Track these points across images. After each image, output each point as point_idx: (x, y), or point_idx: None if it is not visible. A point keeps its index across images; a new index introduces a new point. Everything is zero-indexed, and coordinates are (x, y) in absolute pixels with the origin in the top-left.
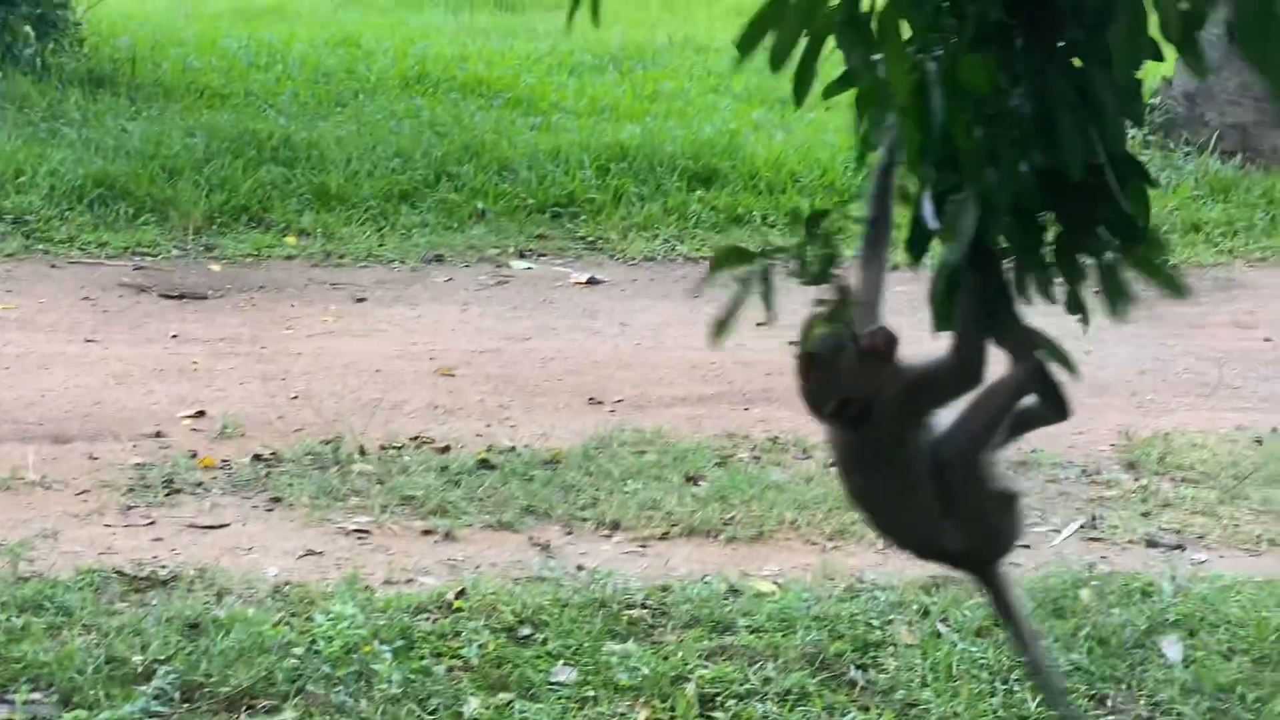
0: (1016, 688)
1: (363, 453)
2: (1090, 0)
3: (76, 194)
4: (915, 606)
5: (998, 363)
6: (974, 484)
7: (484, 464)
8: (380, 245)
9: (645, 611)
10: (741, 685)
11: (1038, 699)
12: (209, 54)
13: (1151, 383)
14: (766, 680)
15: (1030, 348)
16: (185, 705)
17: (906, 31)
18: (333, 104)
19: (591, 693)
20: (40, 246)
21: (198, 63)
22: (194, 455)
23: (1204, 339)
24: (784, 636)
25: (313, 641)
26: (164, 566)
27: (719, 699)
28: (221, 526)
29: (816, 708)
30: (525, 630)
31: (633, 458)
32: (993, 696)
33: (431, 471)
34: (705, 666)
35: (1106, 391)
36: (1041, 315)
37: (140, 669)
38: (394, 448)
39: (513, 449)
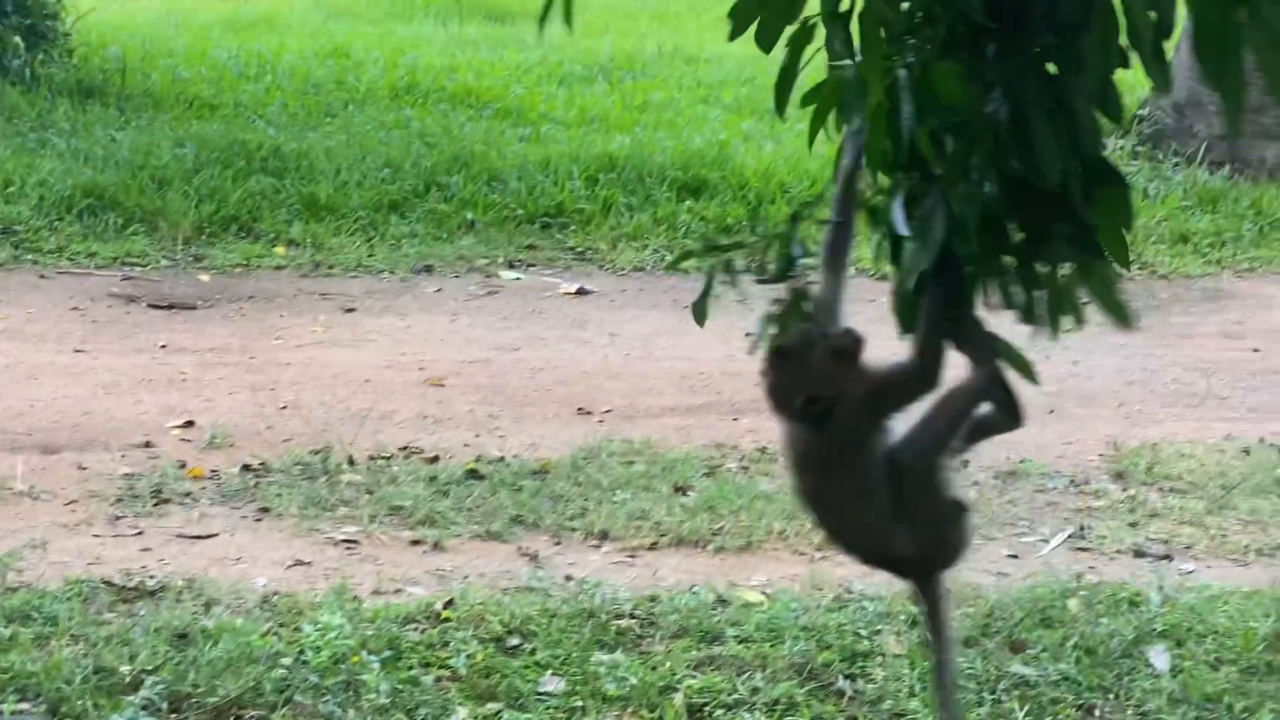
0: (1004, 698)
1: (351, 463)
2: (1065, 7)
3: (65, 204)
4: (903, 616)
5: (957, 369)
6: (929, 490)
7: (473, 474)
8: (369, 255)
9: (633, 621)
10: (730, 695)
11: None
12: (199, 64)
13: (1139, 393)
14: (755, 690)
15: (989, 354)
16: (173, 715)
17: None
18: (322, 114)
19: (580, 703)
20: (29, 257)
21: (187, 73)
22: (183, 465)
23: (1192, 349)
24: (772, 646)
25: (301, 652)
26: (152, 577)
27: (707, 709)
28: (210, 536)
29: (805, 718)
30: (514, 640)
31: (621, 468)
32: (980, 706)
33: (420, 481)
34: (693, 676)
35: (1095, 402)
36: (1011, 324)
37: (128, 679)
38: (383, 458)
39: (501, 459)
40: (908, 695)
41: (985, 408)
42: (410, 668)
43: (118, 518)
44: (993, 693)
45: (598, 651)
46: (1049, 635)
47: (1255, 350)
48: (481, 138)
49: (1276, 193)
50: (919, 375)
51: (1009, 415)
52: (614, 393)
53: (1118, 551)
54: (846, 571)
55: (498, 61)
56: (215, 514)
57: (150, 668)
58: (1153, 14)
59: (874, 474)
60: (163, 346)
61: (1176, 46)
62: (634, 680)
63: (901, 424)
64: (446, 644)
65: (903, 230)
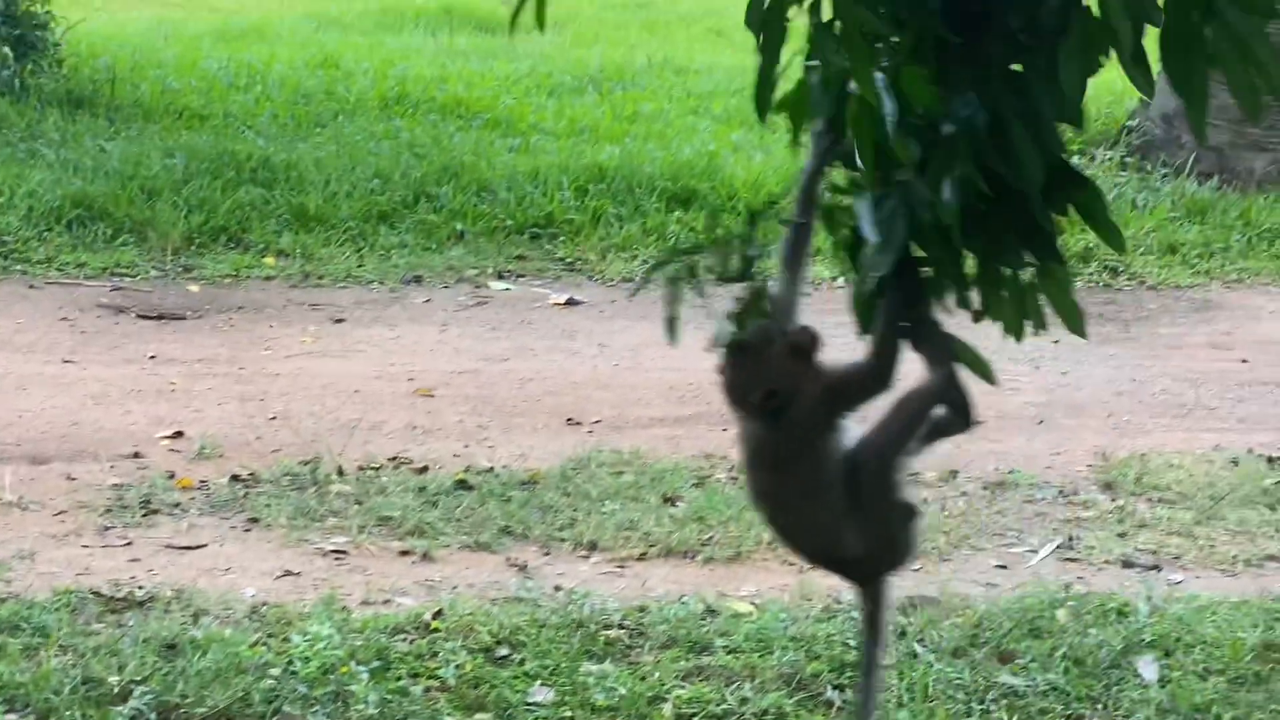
0: (993, 708)
1: (341, 473)
2: (1043, 14)
3: (55, 215)
4: (892, 627)
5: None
6: (883, 491)
7: (462, 484)
8: (359, 266)
9: (622, 632)
10: (718, 706)
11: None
12: (188, 75)
13: (1128, 404)
14: (743, 700)
15: (946, 355)
16: None
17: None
18: (312, 125)
19: (569, 713)
20: (18, 267)
21: (177, 84)
22: (172, 476)
23: (1181, 360)
24: (761, 657)
25: (290, 662)
26: (141, 587)
27: (696, 719)
28: (199, 547)
29: None
30: (503, 651)
31: (610, 478)
32: (969, 717)
33: (409, 492)
34: (682, 687)
35: (1083, 412)
36: (971, 326)
37: (117, 690)
38: (372, 468)
39: (491, 469)
40: (896, 706)
41: (939, 410)
42: (399, 678)
43: (106, 528)
44: (981, 703)
45: (586, 662)
46: (1037, 645)
47: (1244, 361)
48: (471, 148)
49: (1265, 204)
50: (875, 375)
51: (961, 417)
52: (603, 403)
53: (1106, 562)
54: (835, 582)
55: (488, 72)
56: (204, 524)
57: (139, 678)
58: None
59: (828, 473)
60: (152, 357)
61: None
62: (623, 690)
63: (857, 424)
64: (435, 654)
65: (868, 232)
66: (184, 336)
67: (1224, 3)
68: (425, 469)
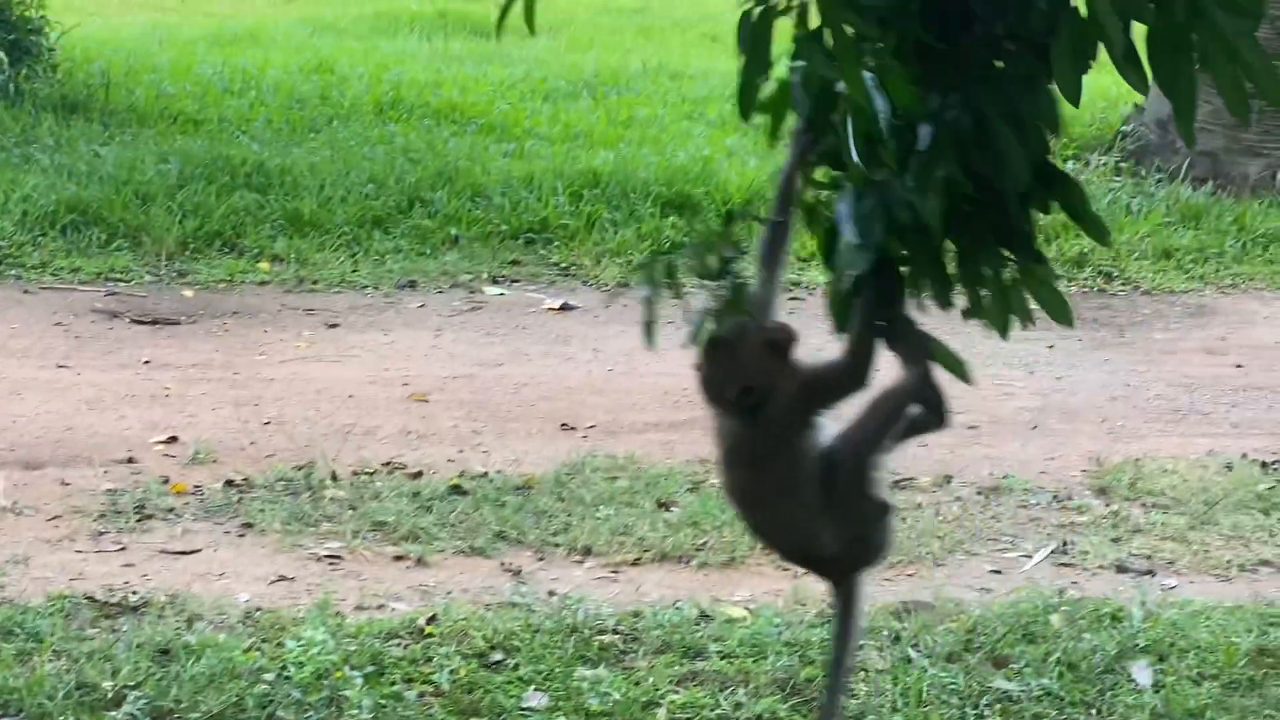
0: (986, 713)
1: (335, 478)
2: (1032, 17)
3: (49, 220)
4: (886, 632)
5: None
6: (859, 489)
7: (456, 490)
8: (353, 271)
9: (617, 637)
10: (712, 711)
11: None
12: (183, 80)
13: (1122, 409)
14: (738, 706)
15: (921, 354)
16: None
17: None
18: (306, 130)
19: (562, 718)
20: (12, 272)
21: (172, 88)
22: (166, 481)
23: (1175, 365)
24: (755, 662)
25: (283, 667)
26: (135, 592)
27: None
28: (193, 552)
29: None
30: (497, 656)
31: (605, 483)
32: None
33: (404, 497)
34: (676, 692)
35: (1077, 417)
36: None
37: (110, 695)
38: (366, 473)
39: (485, 475)
40: (890, 710)
41: (914, 407)
42: (393, 683)
43: (100, 533)
44: (975, 708)
45: (580, 667)
46: (1031, 650)
47: (1238, 366)
48: (466, 153)
49: (1259, 209)
50: (850, 373)
51: (936, 415)
52: (597, 408)
53: (1100, 567)
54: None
55: (482, 77)
56: (198, 530)
57: (133, 683)
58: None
59: (804, 470)
60: (146, 362)
61: None
62: (617, 696)
63: (833, 422)
64: (429, 659)
65: (846, 232)
66: (178, 341)
67: (1210, 4)
68: (419, 474)
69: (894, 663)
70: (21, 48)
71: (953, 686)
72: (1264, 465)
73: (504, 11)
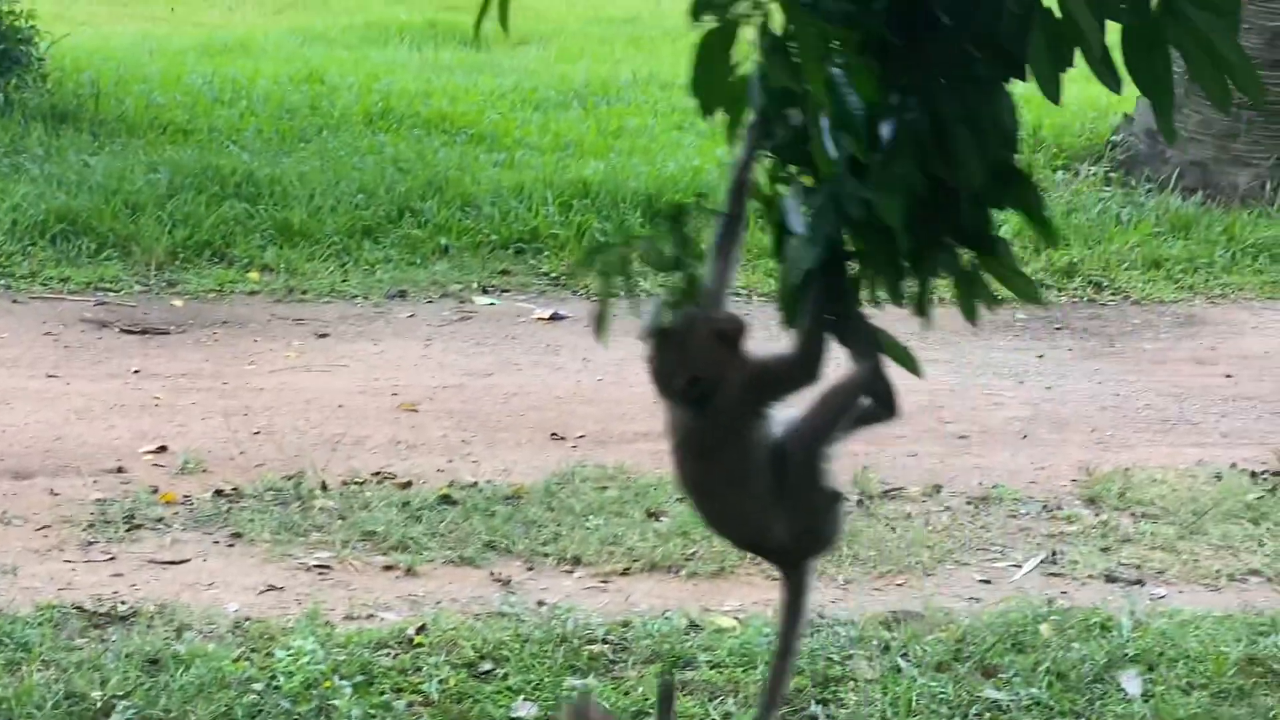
0: None
1: (324, 488)
2: (1000, 19)
3: (39, 229)
4: (875, 642)
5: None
6: (809, 480)
7: (446, 499)
8: (343, 281)
9: (606, 647)
10: None
11: None
12: (173, 90)
13: (1112, 418)
14: (727, 715)
15: (871, 348)
16: None
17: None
18: (296, 140)
19: None
20: (2, 282)
21: (162, 98)
22: (155, 491)
23: (1164, 375)
24: (744, 672)
25: (273, 677)
26: (124, 602)
27: None
28: (182, 562)
29: None
30: (486, 666)
31: (594, 493)
32: None
33: (393, 507)
34: None
35: (1067, 427)
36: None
37: (99, 705)
38: (356, 483)
39: (474, 484)
40: None
41: (864, 399)
42: (382, 693)
43: (90, 543)
44: (964, 718)
45: (570, 677)
46: (1021, 660)
47: (1227, 376)
48: (456, 163)
49: (1248, 219)
50: (800, 367)
51: (886, 408)
52: (587, 418)
53: (1090, 576)
54: (819, 597)
55: (472, 87)
56: (187, 539)
57: (121, 693)
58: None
59: (755, 461)
60: (135, 372)
61: None
62: (606, 705)
63: (783, 414)
64: (419, 669)
65: (795, 226)
66: (168, 351)
67: (1185, 3)
68: (409, 484)
69: (884, 672)
70: (11, 57)
71: (942, 696)
72: (1253, 475)
73: (481, 13)
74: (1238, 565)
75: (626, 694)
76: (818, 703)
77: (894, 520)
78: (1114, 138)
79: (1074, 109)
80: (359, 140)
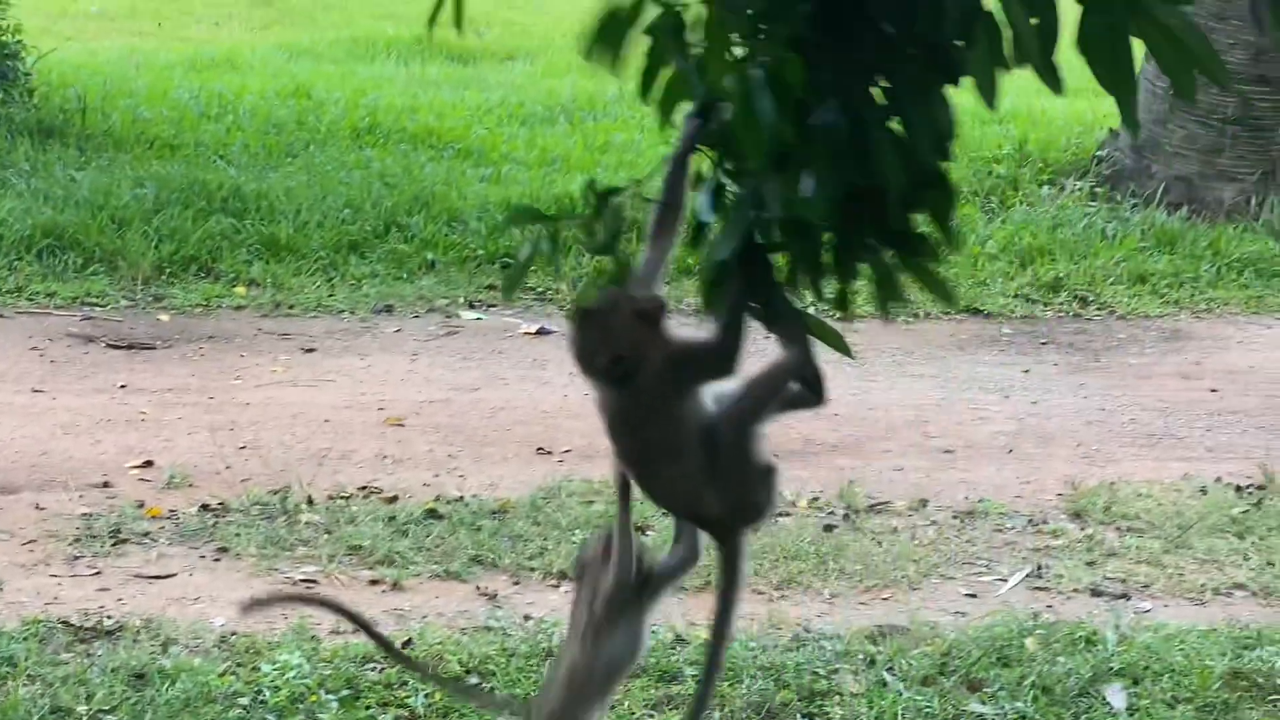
0: None
1: (310, 503)
2: (940, 22)
3: (25, 244)
4: (861, 656)
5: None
6: (740, 457)
7: (432, 514)
8: (330, 296)
9: None
10: None
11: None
12: (160, 104)
13: (1097, 433)
14: None
15: (800, 335)
16: None
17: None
18: (283, 155)
19: None
20: None
21: (148, 113)
22: (141, 505)
23: (1150, 389)
24: (730, 686)
25: (259, 691)
26: (110, 617)
27: None
28: (168, 576)
29: None
30: (472, 680)
31: (581, 508)
32: None
33: (379, 521)
34: (651, 716)
35: (1053, 442)
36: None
37: (85, 719)
38: (342, 498)
39: (461, 499)
40: None
41: (793, 384)
42: (368, 707)
43: (76, 558)
44: None
45: None
46: (1006, 674)
47: (1213, 390)
48: (442, 178)
49: (1234, 234)
50: (717, 356)
51: (815, 394)
52: (573, 432)
53: (1075, 590)
54: (805, 611)
55: (459, 102)
56: (173, 554)
57: (107, 708)
58: (1034, 20)
59: (684, 436)
60: (122, 386)
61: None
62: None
63: (715, 393)
64: (405, 683)
65: (705, 216)
66: (154, 366)
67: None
68: (395, 498)
69: (869, 686)
70: None
71: (928, 710)
72: (1238, 489)
73: (435, 10)
74: (1223, 579)
75: (612, 708)
76: (803, 717)
77: (880, 534)
78: (1100, 152)
79: (1060, 124)
80: (346, 155)
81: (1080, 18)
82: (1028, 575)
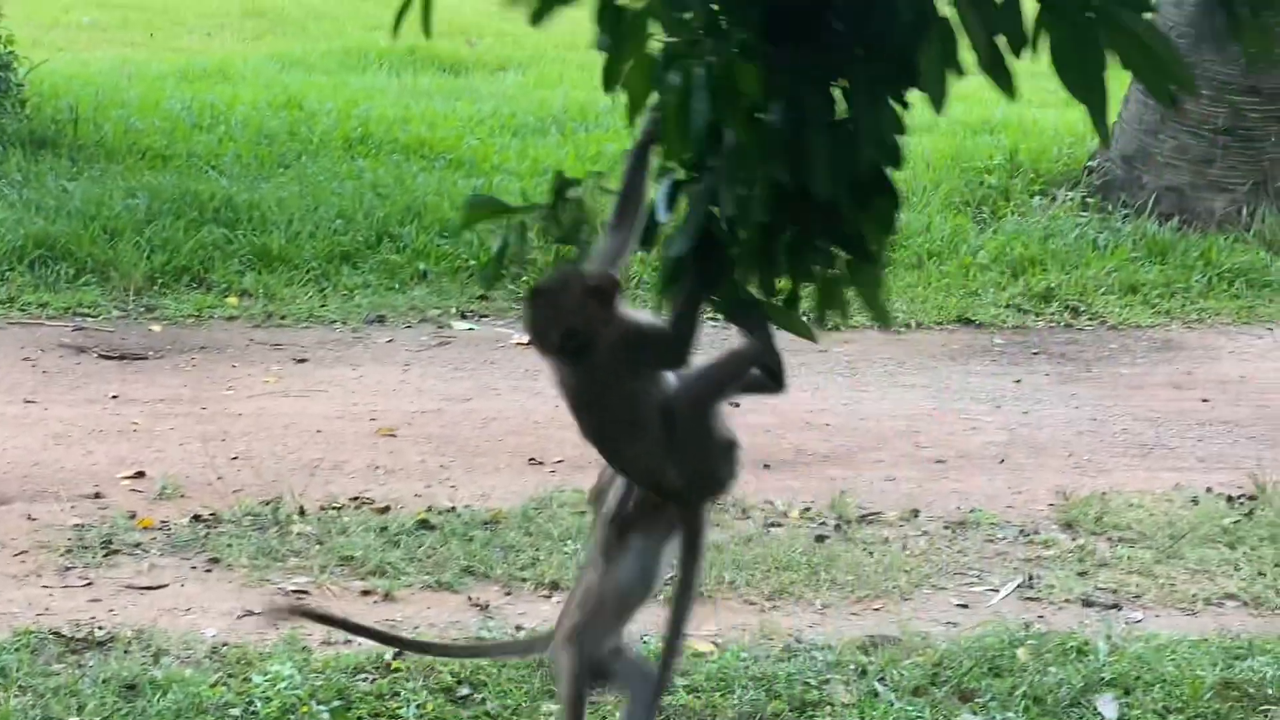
0: None
1: (302, 513)
2: (894, 26)
3: (17, 254)
4: (853, 666)
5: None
6: (699, 434)
7: (424, 524)
8: (322, 306)
9: None
10: None
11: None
12: (152, 115)
13: (1089, 443)
14: None
15: (762, 325)
16: None
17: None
18: (275, 165)
19: None
20: None
21: (140, 124)
22: (133, 516)
23: (1141, 400)
24: (722, 696)
25: (250, 702)
26: (101, 627)
27: None
28: (160, 587)
29: None
30: (463, 690)
31: (572, 518)
32: None
33: (371, 532)
34: None
35: (1044, 452)
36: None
37: None
38: (334, 508)
39: (452, 509)
40: None
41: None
42: (360, 718)
43: (67, 568)
44: None
45: (547, 702)
46: (998, 684)
47: (1204, 400)
48: (434, 189)
49: (1225, 244)
50: (670, 345)
51: (775, 381)
52: (565, 443)
53: (1066, 601)
54: (796, 622)
55: (451, 113)
56: (165, 565)
57: (99, 719)
58: (1001, 37)
59: (642, 412)
60: (114, 397)
61: (1125, 99)
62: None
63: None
64: (396, 694)
65: (661, 216)
66: (146, 376)
67: (1114, 7)
68: (387, 509)
69: (861, 696)
70: None
71: None
72: (1229, 499)
73: (401, 12)
74: (1214, 589)
75: (604, 719)
76: None
77: (871, 545)
78: (1091, 163)
79: (1051, 134)
80: (338, 166)
81: (1047, 24)
82: (1019, 585)
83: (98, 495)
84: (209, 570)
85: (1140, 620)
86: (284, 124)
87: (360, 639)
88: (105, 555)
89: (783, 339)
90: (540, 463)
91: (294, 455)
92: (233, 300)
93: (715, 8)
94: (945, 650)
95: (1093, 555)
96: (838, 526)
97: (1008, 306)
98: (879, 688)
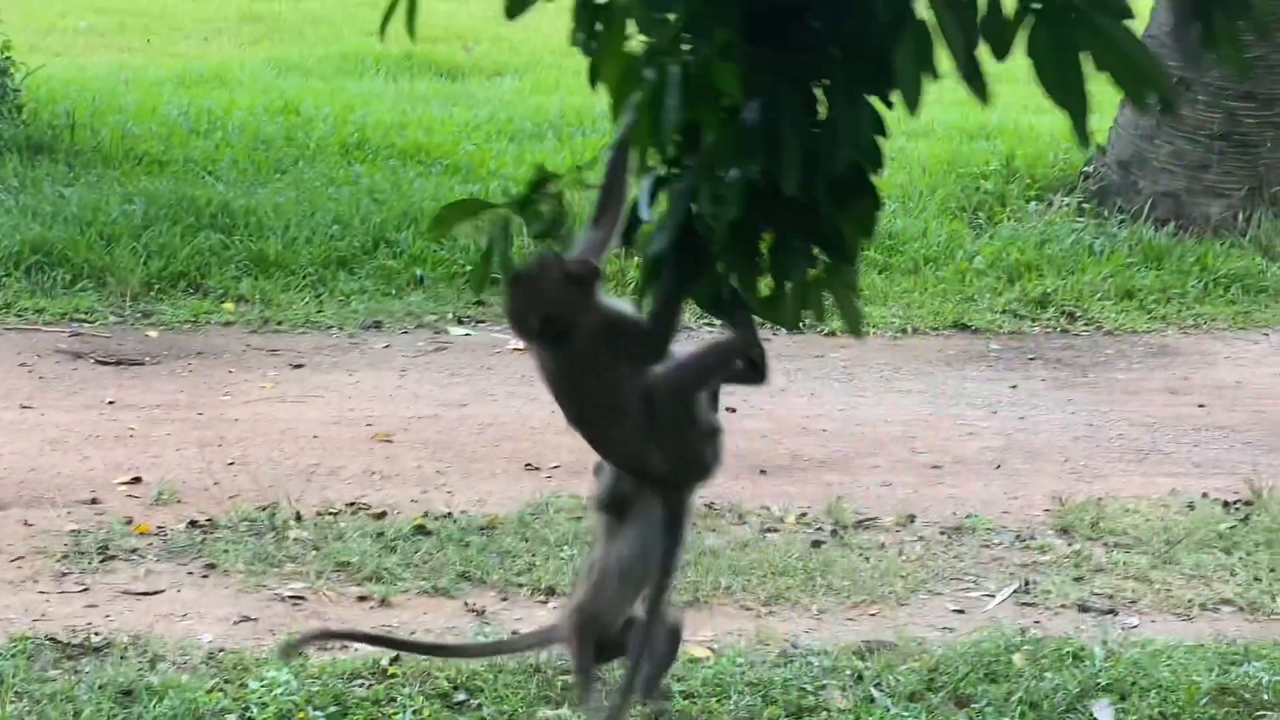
0: None
1: (299, 519)
2: (870, 28)
3: (13, 260)
4: (849, 671)
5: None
6: (680, 421)
7: (420, 530)
8: (318, 312)
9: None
10: None
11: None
12: (148, 120)
13: (1085, 448)
14: None
15: (745, 320)
16: None
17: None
18: (272, 171)
19: None
20: None
21: (137, 129)
22: (129, 521)
23: (1137, 405)
24: (718, 702)
25: (246, 708)
26: (98, 633)
27: None
28: (156, 593)
29: None
30: (460, 696)
31: (569, 523)
32: None
33: (367, 538)
34: None
35: (1040, 457)
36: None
37: None
38: (330, 514)
39: (449, 515)
40: None
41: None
42: None
43: (63, 574)
44: None
45: (544, 707)
46: (994, 690)
47: (1200, 406)
48: (431, 194)
49: (1221, 249)
50: (649, 337)
51: (759, 374)
52: (561, 448)
53: (1062, 606)
54: (793, 627)
55: (448, 118)
56: (161, 570)
57: None
58: (974, 37)
59: (624, 397)
60: (110, 402)
61: (1120, 103)
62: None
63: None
64: (393, 700)
65: (643, 214)
66: (142, 382)
67: (1093, 12)
68: (383, 514)
69: (856, 702)
70: None
71: None
72: (1226, 505)
73: (386, 16)
74: (1210, 595)
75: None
76: None
77: (867, 550)
78: (1087, 168)
79: (1047, 139)
80: (334, 171)
81: (1029, 36)
82: (1015, 591)
83: (94, 501)
84: (205, 576)
85: (1136, 625)
86: (280, 129)
87: (356, 644)
88: (102, 561)
89: (783, 342)
90: (536, 468)
91: (290, 461)
92: (229, 306)
93: (695, 8)
94: (941, 656)
95: (1089, 561)
96: (834, 532)
97: (1004, 312)
98: (875, 693)
